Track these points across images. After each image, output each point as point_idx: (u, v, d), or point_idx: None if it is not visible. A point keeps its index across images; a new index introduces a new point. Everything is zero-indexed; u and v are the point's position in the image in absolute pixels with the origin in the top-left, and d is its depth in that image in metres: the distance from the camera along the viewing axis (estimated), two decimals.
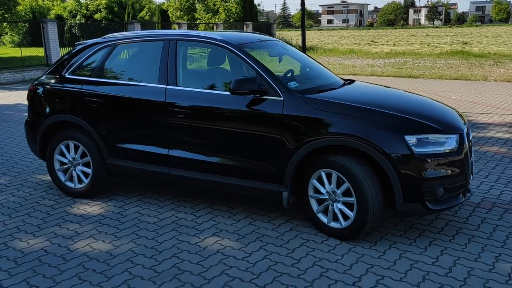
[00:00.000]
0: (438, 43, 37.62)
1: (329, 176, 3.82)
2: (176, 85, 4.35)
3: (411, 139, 3.56)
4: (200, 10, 31.64)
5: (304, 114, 3.82)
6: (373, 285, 3.18)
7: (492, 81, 14.52)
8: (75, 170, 4.85)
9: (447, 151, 3.64)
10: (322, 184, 3.87)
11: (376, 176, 3.66)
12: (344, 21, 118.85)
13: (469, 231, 3.98)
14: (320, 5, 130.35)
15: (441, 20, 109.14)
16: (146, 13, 36.51)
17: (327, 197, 3.85)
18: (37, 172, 5.86)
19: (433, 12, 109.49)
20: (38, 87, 5.03)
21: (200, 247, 3.78)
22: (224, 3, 30.60)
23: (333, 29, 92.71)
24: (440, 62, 20.75)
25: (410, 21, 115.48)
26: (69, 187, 4.91)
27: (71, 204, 4.73)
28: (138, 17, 35.06)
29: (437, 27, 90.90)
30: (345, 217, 3.80)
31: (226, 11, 30.10)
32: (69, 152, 4.84)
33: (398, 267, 3.40)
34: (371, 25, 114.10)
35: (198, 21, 30.48)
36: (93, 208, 4.63)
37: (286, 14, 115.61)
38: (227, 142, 4.12)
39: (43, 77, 5.09)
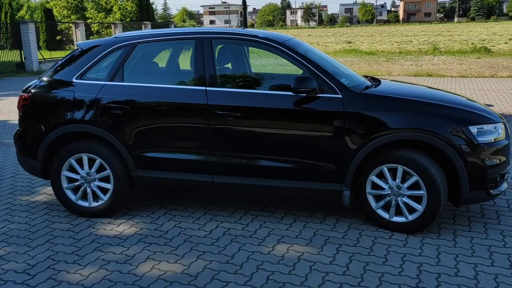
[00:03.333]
0: (325, 43, 39.87)
1: (391, 171, 3.85)
2: (216, 86, 4.06)
3: (473, 129, 3.74)
4: (91, 9, 29.76)
5: (367, 110, 3.81)
6: (475, 274, 3.28)
7: (396, 76, 15.77)
8: (89, 187, 4.29)
9: (498, 139, 3.88)
10: (382, 179, 3.90)
11: (441, 168, 3.78)
12: (226, 21, 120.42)
13: None
14: (201, 6, 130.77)
15: (315, 21, 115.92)
16: (26, 12, 33.43)
17: (389, 192, 3.88)
18: (16, 193, 5.07)
19: (308, 14, 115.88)
20: (36, 94, 4.34)
21: (277, 256, 3.58)
22: (118, 1, 29.16)
23: None
24: (339, 60, 21.95)
25: (288, 22, 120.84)
26: (82, 206, 4.33)
27: (92, 225, 4.18)
28: (17, 17, 31.99)
29: (313, 27, 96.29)
30: (410, 210, 3.86)
31: (121, 10, 28.71)
32: (81, 167, 4.26)
33: (480, 253, 3.55)
34: (252, 26, 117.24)
35: (89, 21, 28.64)
36: (121, 227, 4.14)
37: (167, 14, 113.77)
38: (281, 144, 3.95)
39: (38, 83, 4.40)
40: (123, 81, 4.21)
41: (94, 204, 4.31)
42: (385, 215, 3.95)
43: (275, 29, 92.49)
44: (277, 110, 3.94)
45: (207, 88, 4.03)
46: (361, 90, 3.99)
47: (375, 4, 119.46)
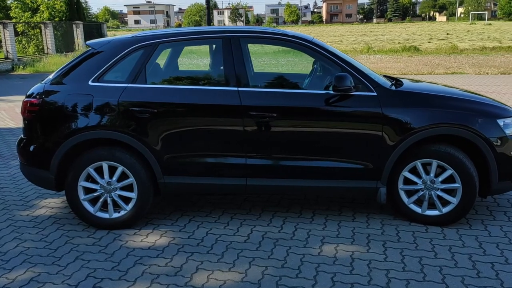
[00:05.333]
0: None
1: (424, 166, 3.94)
2: (249, 86, 3.93)
3: (501, 122, 3.92)
4: (15, 8, 27.78)
5: (403, 107, 3.86)
6: None
7: None
8: (110, 197, 3.99)
9: None
10: (415, 175, 3.97)
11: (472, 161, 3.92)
12: (152, 21, 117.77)
13: None
14: (125, 5, 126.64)
15: (242, 21, 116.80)
16: None
17: (422, 186, 3.97)
18: (11, 208, 4.61)
19: (235, 14, 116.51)
20: (47, 99, 3.96)
21: (329, 257, 3.53)
22: (45, 0, 27.46)
23: (143, 30, 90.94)
24: (285, 59, 22.20)
25: (215, 22, 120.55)
26: (102, 218, 4.02)
27: (117, 238, 3.89)
28: None
29: None
30: (443, 204, 3.97)
31: (49, 9, 27.08)
32: (101, 176, 3.95)
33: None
34: (179, 26, 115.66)
35: (14, 20, 26.73)
36: (151, 238, 3.89)
37: (88, 14, 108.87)
38: (319, 143, 3.91)
39: (48, 87, 4.01)
40: (145, 83, 3.96)
41: (116, 215, 4.02)
42: (417, 209, 4.03)
43: None
44: (314, 109, 3.89)
45: (239, 89, 3.89)
46: (391, 87, 4.04)
47: (299, 5, 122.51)
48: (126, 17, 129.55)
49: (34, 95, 4.02)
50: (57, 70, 4.15)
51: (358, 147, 3.89)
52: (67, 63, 4.18)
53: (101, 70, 3.96)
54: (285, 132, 3.90)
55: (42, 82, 4.13)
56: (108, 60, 3.99)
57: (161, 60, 4.27)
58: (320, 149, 3.91)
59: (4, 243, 3.85)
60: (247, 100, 3.86)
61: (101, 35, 29.45)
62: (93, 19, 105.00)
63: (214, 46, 4.34)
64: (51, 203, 4.70)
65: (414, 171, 3.97)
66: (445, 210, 3.96)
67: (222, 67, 3.99)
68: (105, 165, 3.93)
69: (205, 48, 4.87)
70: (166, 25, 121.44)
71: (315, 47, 4.01)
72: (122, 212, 4.01)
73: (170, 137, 3.89)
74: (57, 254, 3.64)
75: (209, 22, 10.95)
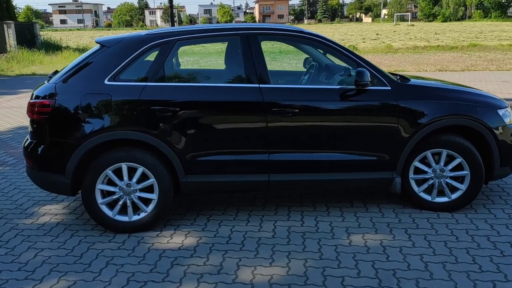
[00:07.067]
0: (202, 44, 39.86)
1: (433, 155, 4.16)
2: (269, 83, 3.96)
3: (500, 113, 4.23)
4: None
5: (417, 100, 4.06)
6: None
7: None
8: (129, 199, 3.87)
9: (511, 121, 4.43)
10: (425, 164, 4.19)
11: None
12: (80, 21, 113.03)
13: None
14: (49, 4, 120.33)
15: (175, 21, 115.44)
16: None
17: (432, 175, 4.19)
18: (10, 217, 4.33)
19: (167, 14, 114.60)
20: (60, 100, 3.75)
21: (360, 246, 3.64)
22: None
23: (70, 30, 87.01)
24: None
25: (147, 22, 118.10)
26: (121, 221, 3.88)
27: (142, 241, 3.78)
28: None
29: None
30: (452, 190, 4.21)
31: None
32: (120, 178, 3.82)
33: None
34: (109, 26, 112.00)
35: None
36: (176, 239, 3.82)
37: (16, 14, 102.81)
38: (340, 138, 4.01)
39: (59, 87, 3.80)
40: (165, 82, 3.88)
41: (135, 217, 3.90)
42: (427, 197, 4.25)
43: (135, 29, 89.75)
44: (334, 104, 3.99)
45: (261, 86, 3.91)
46: (401, 82, 4.23)
47: (232, 6, 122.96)
48: (51, 16, 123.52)
49: (43, 96, 3.80)
50: (66, 69, 3.95)
51: (376, 140, 4.04)
52: (75, 61, 3.99)
53: (117, 69, 3.82)
54: (307, 127, 3.97)
55: (50, 82, 3.91)
56: (123, 58, 3.85)
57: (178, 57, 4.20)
58: (341, 143, 4.02)
59: (20, 253, 3.62)
60: (269, 96, 3.89)
61: (34, 35, 27.92)
62: (17, 19, 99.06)
63: (231, 43, 4.32)
64: (53, 210, 4.46)
65: (423, 161, 4.19)
66: (454, 196, 4.20)
67: (241, 64, 3.99)
68: (124, 167, 3.80)
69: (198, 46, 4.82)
70: (95, 25, 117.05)
71: (331, 44, 4.12)
72: (142, 214, 3.90)
73: (192, 135, 3.83)
74: (84, 260, 3.48)
75: (173, 22, 10.77)
